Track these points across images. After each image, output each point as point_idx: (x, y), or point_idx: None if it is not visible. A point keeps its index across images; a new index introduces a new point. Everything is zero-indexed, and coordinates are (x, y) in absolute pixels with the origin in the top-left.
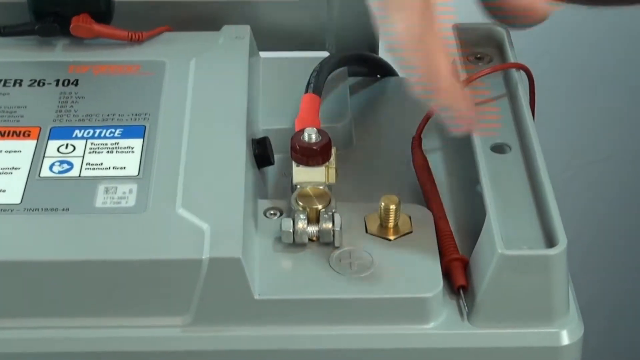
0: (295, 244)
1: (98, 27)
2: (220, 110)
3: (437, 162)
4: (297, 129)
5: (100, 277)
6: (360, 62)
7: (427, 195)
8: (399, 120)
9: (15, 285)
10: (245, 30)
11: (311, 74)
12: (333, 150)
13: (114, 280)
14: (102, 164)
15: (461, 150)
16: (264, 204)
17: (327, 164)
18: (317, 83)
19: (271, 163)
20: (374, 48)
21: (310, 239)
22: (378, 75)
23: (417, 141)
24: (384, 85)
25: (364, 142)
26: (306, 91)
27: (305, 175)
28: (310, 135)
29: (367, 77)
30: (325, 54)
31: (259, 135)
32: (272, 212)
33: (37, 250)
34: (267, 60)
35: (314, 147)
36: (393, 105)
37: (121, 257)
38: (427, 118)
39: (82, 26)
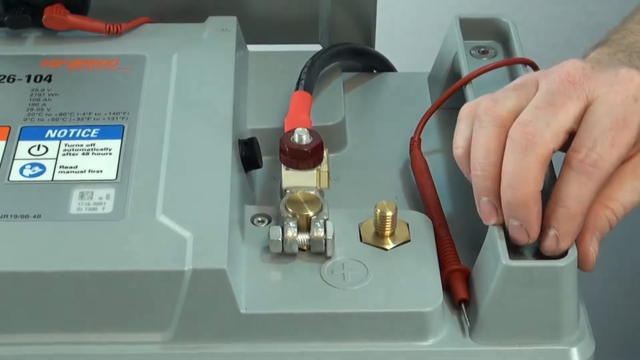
0: (284, 253)
1: (73, 19)
2: (205, 108)
3: (437, 165)
4: (286, 129)
5: (74, 290)
6: (355, 56)
7: (426, 201)
8: (396, 119)
9: None
10: (231, 22)
11: (302, 70)
12: (325, 153)
13: (88, 293)
14: (77, 166)
15: None
16: (251, 210)
17: (318, 167)
18: (308, 79)
19: (259, 166)
20: (370, 41)
21: (300, 249)
22: (374, 71)
23: (416, 142)
24: (381, 81)
25: (359, 144)
26: (296, 88)
27: (295, 180)
28: (301, 136)
29: (363, 72)
30: (317, 47)
31: (246, 136)
32: (259, 219)
33: (6, 261)
34: (255, 55)
35: (305, 149)
36: (390, 103)
37: (97, 267)
38: (427, 117)
39: (56, 17)
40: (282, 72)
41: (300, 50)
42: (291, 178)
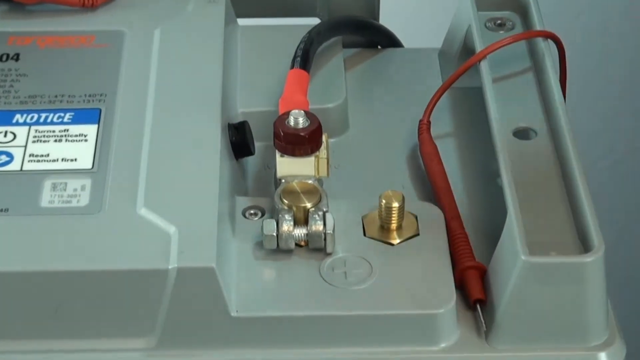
0: (279, 250)
1: None
2: (190, 89)
3: (448, 151)
4: (281, 112)
5: (47, 292)
6: (358, 29)
7: (437, 190)
8: (403, 100)
9: None
10: None
11: (298, 46)
12: (324, 137)
13: (61, 295)
14: (48, 155)
15: (478, 137)
16: (242, 202)
17: (317, 153)
18: (305, 56)
19: (251, 153)
20: (374, 13)
21: (297, 244)
22: (379, 47)
23: (425, 125)
24: (386, 58)
25: (362, 127)
26: (292, 66)
27: (291, 168)
28: (297, 119)
29: (366, 48)
30: (315, 20)
31: (237, 120)
32: (252, 211)
33: None
34: (246, 29)
35: (301, 134)
36: (397, 82)
37: (71, 267)
38: (437, 98)
39: None
40: (276, 48)
41: (296, 24)
42: (286, 166)
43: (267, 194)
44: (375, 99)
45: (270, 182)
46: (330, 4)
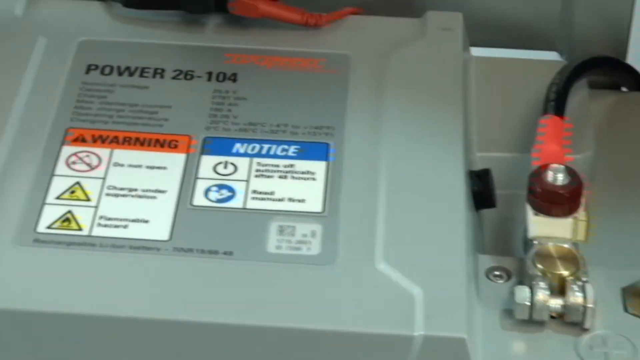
0: (531, 321)
1: (265, 5)
2: (429, 127)
3: None
4: (536, 163)
5: (268, 349)
6: (609, 71)
7: None
8: None
9: (157, 349)
10: (456, 19)
11: (549, 88)
12: (584, 197)
13: (286, 355)
14: (273, 193)
15: None
16: (485, 260)
17: (575, 215)
18: (560, 101)
19: (493, 205)
20: (621, 50)
21: (551, 316)
22: (623, 88)
23: None
24: (635, 101)
25: (609, 182)
26: (545, 111)
27: (545, 228)
28: (556, 174)
29: (609, 89)
30: (553, 54)
31: (474, 165)
32: (496, 273)
33: (192, 308)
34: (480, 60)
35: (561, 192)
36: None
37: (299, 324)
38: None
39: (245, 2)
40: (512, 84)
41: (533, 59)
42: (541, 226)
43: (504, 251)
44: (624, 149)
45: (507, 237)
46: (573, 39)
